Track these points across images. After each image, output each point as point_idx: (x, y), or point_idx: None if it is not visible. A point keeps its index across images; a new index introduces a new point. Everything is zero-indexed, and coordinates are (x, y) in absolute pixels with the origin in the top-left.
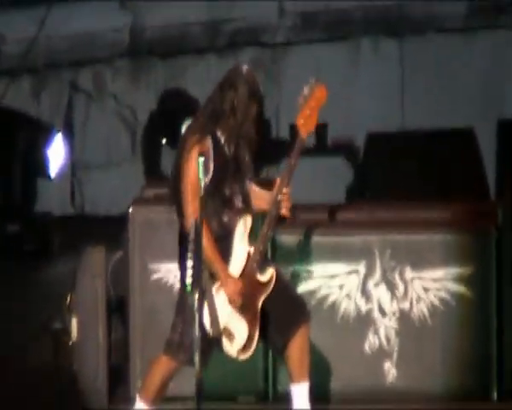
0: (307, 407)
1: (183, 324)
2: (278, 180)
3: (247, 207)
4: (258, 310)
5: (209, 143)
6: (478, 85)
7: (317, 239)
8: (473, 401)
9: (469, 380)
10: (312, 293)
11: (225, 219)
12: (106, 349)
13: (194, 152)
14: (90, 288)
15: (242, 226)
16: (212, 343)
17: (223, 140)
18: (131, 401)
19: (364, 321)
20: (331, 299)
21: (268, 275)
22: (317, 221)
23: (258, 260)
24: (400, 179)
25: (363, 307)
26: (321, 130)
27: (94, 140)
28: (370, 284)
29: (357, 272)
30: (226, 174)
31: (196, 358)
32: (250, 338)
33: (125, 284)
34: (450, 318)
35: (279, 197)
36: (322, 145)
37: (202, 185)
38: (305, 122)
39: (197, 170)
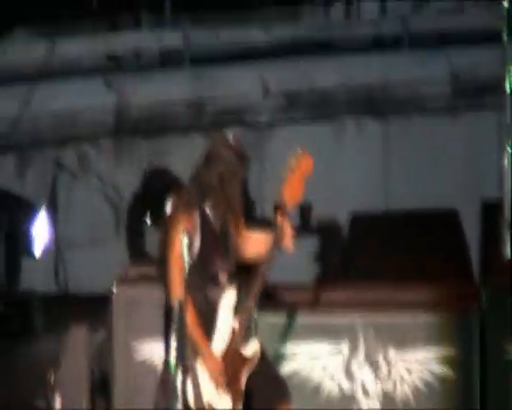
0: None
1: (165, 402)
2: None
3: (232, 282)
4: (242, 386)
5: (196, 218)
6: (462, 167)
7: (300, 319)
8: None
9: None
10: (296, 373)
11: (211, 294)
12: None
13: (180, 228)
14: (74, 366)
15: (227, 301)
16: None
17: (211, 215)
18: None
19: (348, 402)
20: (315, 380)
21: (252, 350)
22: (301, 301)
23: (243, 335)
24: (384, 260)
25: (347, 388)
26: (305, 210)
27: (78, 218)
28: (354, 364)
29: (340, 352)
30: (213, 250)
31: None
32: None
33: (108, 363)
34: (434, 399)
35: (278, 228)
36: (305, 226)
37: (186, 264)
38: (292, 194)
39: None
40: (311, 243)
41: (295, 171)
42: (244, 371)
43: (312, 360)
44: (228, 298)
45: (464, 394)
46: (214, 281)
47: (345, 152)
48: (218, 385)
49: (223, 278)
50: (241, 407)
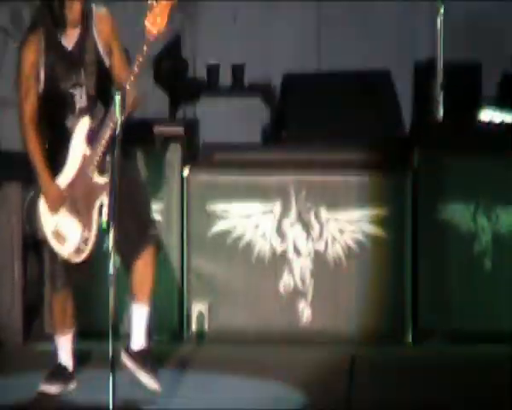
0: (144, 328)
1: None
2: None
3: (90, 108)
4: (94, 213)
5: (40, 38)
6: (395, 27)
7: (232, 179)
8: (387, 343)
9: (384, 322)
10: (228, 232)
11: (69, 123)
12: (21, 286)
13: (26, 49)
14: (6, 225)
15: (81, 128)
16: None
17: (58, 33)
18: (46, 337)
19: (279, 261)
20: (246, 239)
21: (106, 178)
22: (234, 161)
23: (98, 162)
24: (317, 120)
25: (278, 248)
26: (237, 70)
27: (10, 76)
28: (286, 224)
29: (272, 212)
30: (65, 71)
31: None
32: (84, 241)
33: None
34: (366, 259)
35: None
36: (238, 85)
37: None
38: (154, 21)
39: (29, 67)
40: (244, 103)
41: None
42: (96, 198)
43: (244, 218)
44: (82, 125)
45: (396, 254)
46: (71, 109)
47: (278, 13)
48: (52, 211)
49: (81, 103)
50: (93, 233)
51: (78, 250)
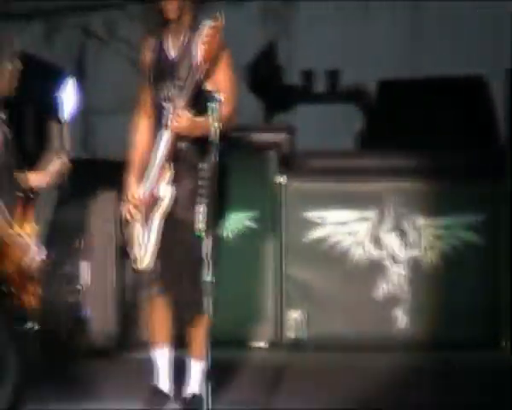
0: (198, 378)
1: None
2: None
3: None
4: (153, 224)
5: (151, 45)
6: (491, 36)
7: (328, 186)
8: (483, 349)
9: (480, 328)
10: (324, 240)
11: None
12: (117, 293)
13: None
14: (102, 232)
15: (164, 141)
16: None
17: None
18: (143, 345)
19: (375, 268)
20: (342, 246)
21: (166, 191)
22: (330, 168)
23: (160, 178)
24: (412, 127)
25: (375, 255)
26: (332, 76)
27: (106, 85)
28: (382, 231)
29: (368, 219)
30: (161, 82)
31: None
32: (144, 250)
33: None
34: (461, 265)
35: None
36: (333, 91)
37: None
38: (205, 52)
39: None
40: (339, 109)
41: (207, 31)
42: (154, 211)
43: (340, 225)
44: (165, 138)
45: (492, 260)
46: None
47: (372, 19)
48: (131, 217)
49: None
50: (152, 245)
51: (139, 259)
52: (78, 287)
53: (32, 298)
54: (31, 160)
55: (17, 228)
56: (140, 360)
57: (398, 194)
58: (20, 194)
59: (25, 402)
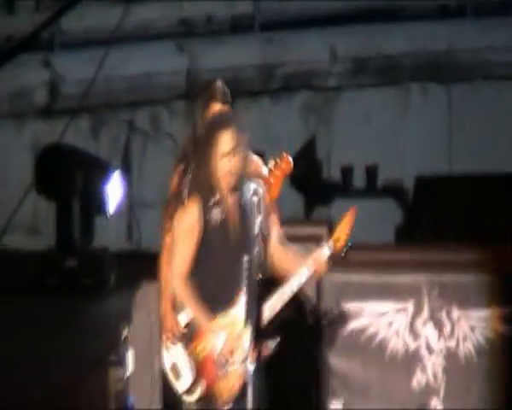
0: None
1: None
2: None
3: None
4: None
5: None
6: None
7: (367, 278)
8: None
9: None
10: (362, 330)
11: None
12: (161, 382)
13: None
14: (146, 323)
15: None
16: None
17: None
18: None
19: (412, 358)
20: (380, 336)
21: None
22: (368, 261)
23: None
24: (448, 222)
25: (411, 345)
26: (371, 172)
27: (150, 178)
28: (418, 322)
29: (405, 310)
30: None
31: None
32: (195, 382)
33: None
34: (496, 357)
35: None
36: (372, 187)
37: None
38: (268, 189)
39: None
40: (377, 204)
41: (274, 170)
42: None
43: (378, 317)
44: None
45: None
46: None
47: (410, 116)
48: (168, 341)
49: None
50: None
51: (189, 391)
52: (124, 376)
53: None
54: (76, 250)
55: None
56: None
57: (434, 285)
58: None
59: None
